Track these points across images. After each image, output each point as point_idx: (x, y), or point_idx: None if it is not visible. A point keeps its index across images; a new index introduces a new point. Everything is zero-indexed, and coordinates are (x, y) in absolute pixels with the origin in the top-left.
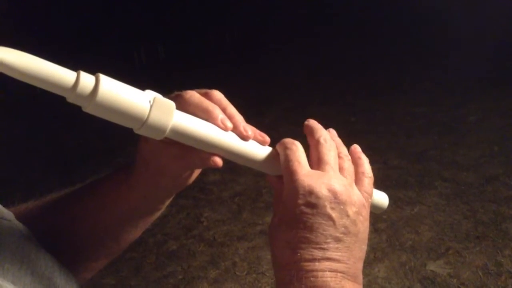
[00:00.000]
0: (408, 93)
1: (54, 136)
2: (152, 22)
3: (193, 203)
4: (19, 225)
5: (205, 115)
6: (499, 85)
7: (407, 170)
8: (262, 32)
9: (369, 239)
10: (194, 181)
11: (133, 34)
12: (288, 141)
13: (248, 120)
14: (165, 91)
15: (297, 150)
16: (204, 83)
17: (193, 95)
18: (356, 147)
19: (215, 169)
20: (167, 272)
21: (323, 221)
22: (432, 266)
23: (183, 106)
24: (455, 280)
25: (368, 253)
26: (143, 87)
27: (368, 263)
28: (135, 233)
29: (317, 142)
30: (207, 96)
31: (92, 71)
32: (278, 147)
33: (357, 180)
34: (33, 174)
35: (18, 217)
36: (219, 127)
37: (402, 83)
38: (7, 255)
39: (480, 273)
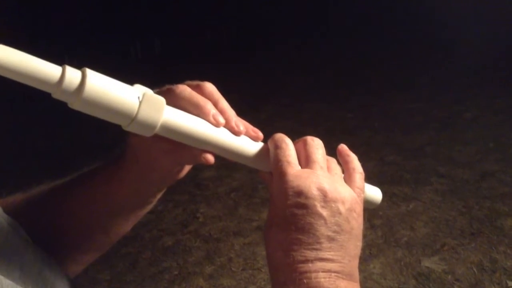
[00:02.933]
0: (405, 89)
1: (48, 131)
2: (149, 16)
3: (189, 199)
4: (6, 217)
5: (197, 110)
6: (496, 82)
7: (403, 166)
8: (259, 28)
9: (364, 236)
10: (190, 177)
11: (129, 29)
12: (278, 138)
13: (244, 115)
14: (161, 86)
15: (287, 148)
16: (200, 78)
17: (184, 89)
18: (343, 146)
19: (210, 165)
20: (162, 268)
21: (314, 221)
22: (427, 262)
23: (174, 100)
24: (450, 276)
25: (363, 249)
26: (139, 82)
27: (364, 259)
28: (126, 226)
29: (304, 142)
30: (198, 88)
31: (88, 65)
32: (269, 144)
33: (348, 176)
34: (27, 170)
35: (6, 209)
36: (210, 122)
37: (398, 80)
38: None
39: (475, 270)
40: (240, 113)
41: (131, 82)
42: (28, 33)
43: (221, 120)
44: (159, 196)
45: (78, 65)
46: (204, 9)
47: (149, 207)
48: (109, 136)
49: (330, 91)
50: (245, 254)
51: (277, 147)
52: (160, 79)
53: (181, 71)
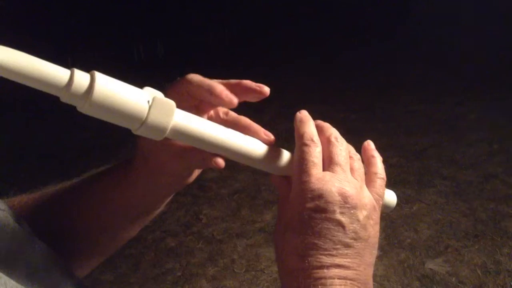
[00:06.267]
0: (408, 91)
1: (52, 133)
2: (151, 18)
3: (192, 200)
4: (13, 215)
5: (208, 92)
6: (499, 83)
7: (406, 168)
8: (261, 29)
9: None
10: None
11: (132, 31)
12: (308, 135)
13: (247, 117)
14: (164, 88)
15: (316, 148)
16: None
17: (195, 75)
18: (370, 144)
19: (221, 168)
20: (165, 269)
21: (332, 227)
22: (431, 264)
23: (186, 86)
24: (453, 279)
25: None
26: (142, 84)
27: None
28: (132, 231)
29: (328, 141)
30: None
31: (91, 68)
32: (297, 138)
33: (369, 181)
34: (30, 172)
35: (13, 208)
36: (224, 101)
37: (402, 81)
38: (1, 246)
39: (479, 272)
40: (243, 114)
41: (134, 84)
42: (30, 36)
43: (234, 100)
44: (166, 201)
45: (81, 69)
46: (207, 11)
47: (156, 213)
48: (114, 138)
49: (334, 93)
50: (248, 256)
51: (304, 144)
52: (163, 80)
53: (185, 73)
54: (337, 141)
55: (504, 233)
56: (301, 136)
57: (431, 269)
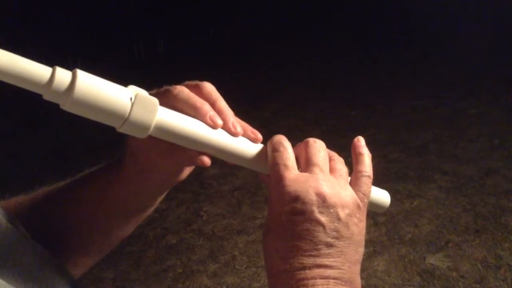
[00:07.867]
0: (408, 86)
1: (52, 131)
2: (152, 16)
3: (192, 197)
4: (5, 215)
5: (194, 112)
6: (500, 78)
7: (407, 164)
8: (262, 27)
9: (369, 233)
10: (194, 175)
11: (132, 28)
12: (276, 141)
13: (248, 113)
14: (164, 85)
15: (285, 151)
16: (203, 77)
17: (182, 90)
18: (360, 140)
19: (214, 163)
20: (166, 266)
21: (312, 227)
22: (431, 259)
23: (172, 101)
24: (454, 273)
25: (367, 246)
26: (142, 81)
27: (368, 257)
28: (126, 230)
29: (305, 144)
30: (197, 88)
31: (92, 65)
32: (267, 147)
33: (354, 179)
34: (31, 170)
35: (8, 210)
36: (208, 124)
37: (402, 77)
38: None
39: (480, 266)
40: (244, 111)
41: (135, 82)
42: (31, 35)
43: (219, 121)
44: (159, 199)
45: (81, 66)
46: (208, 8)
47: (150, 211)
48: (112, 136)
49: (334, 89)
50: (248, 252)
51: (274, 150)
52: (164, 78)
53: (185, 70)
54: (315, 143)
55: (504, 227)
56: (270, 143)
57: (431, 264)
